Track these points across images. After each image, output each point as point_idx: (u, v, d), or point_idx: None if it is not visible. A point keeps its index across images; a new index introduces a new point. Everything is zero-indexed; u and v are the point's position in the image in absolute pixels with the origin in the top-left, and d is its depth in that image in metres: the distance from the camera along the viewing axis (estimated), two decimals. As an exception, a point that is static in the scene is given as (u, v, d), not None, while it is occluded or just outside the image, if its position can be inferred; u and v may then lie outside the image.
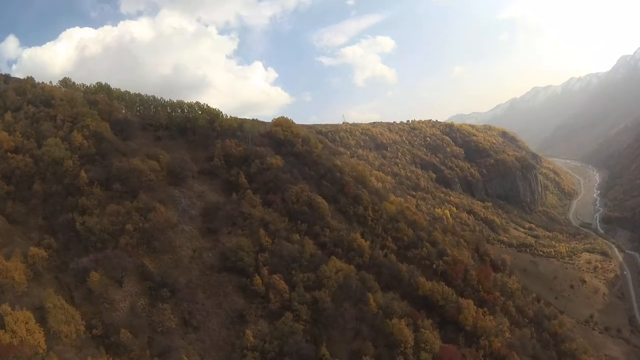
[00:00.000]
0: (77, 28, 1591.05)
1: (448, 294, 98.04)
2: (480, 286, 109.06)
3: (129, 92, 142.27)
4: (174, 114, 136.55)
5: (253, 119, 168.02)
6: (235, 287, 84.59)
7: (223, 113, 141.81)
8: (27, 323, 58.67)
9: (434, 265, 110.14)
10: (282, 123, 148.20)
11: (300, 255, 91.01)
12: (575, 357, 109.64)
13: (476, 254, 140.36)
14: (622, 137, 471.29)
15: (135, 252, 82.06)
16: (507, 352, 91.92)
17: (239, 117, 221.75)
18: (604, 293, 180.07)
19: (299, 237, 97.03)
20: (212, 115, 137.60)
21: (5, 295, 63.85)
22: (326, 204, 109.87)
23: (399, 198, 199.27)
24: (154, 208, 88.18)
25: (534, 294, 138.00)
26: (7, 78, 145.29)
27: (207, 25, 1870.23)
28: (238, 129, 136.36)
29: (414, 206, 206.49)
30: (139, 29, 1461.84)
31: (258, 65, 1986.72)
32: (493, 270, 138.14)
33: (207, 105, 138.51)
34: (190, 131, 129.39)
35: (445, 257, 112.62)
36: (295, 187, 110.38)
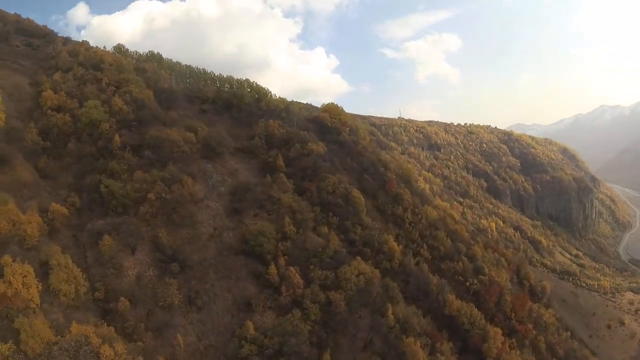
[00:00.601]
0: (146, 0, 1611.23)
1: (476, 317, 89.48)
2: (514, 314, 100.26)
3: (179, 63, 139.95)
4: (222, 88, 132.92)
5: (304, 103, 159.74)
6: (249, 272, 78.91)
7: (272, 93, 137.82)
8: (25, 277, 55.02)
9: (468, 283, 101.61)
10: (331, 109, 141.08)
11: (322, 250, 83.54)
12: None
13: (515, 277, 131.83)
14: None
15: (153, 221, 77.98)
16: None
17: (297, 100, 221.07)
18: None
19: (327, 230, 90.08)
20: (260, 94, 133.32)
21: (10, 247, 60.39)
22: (363, 199, 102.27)
23: (445, 203, 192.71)
24: (181, 180, 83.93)
25: (569, 332, 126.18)
26: (66, 40, 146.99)
27: (272, 7, 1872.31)
28: (284, 110, 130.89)
29: (459, 213, 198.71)
30: (206, 6, 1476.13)
31: (320, 51, 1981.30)
32: (531, 297, 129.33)
33: (256, 83, 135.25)
34: (236, 108, 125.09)
35: (481, 276, 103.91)
36: (333, 177, 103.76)
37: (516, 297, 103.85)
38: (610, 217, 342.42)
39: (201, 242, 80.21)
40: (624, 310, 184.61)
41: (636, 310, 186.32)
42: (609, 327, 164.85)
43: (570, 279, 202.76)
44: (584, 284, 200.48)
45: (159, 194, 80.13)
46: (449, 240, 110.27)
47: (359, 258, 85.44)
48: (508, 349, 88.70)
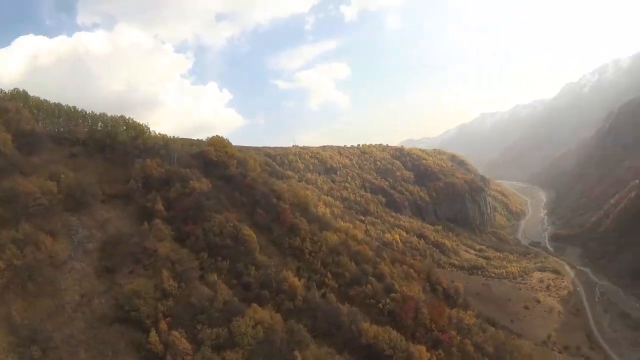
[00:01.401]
0: (31, 35, 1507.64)
1: (396, 340, 79.17)
2: (434, 325, 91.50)
3: (47, 101, 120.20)
4: (95, 127, 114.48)
5: (193, 139, 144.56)
6: (128, 344, 63.01)
7: (151, 130, 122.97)
8: None
9: (381, 305, 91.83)
10: (216, 143, 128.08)
11: (210, 304, 69.82)
12: None
13: (427, 284, 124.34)
14: (567, 158, 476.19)
15: (5, 295, 61.32)
16: None
17: (191, 137, 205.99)
18: (559, 311, 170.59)
19: (215, 278, 76.79)
20: (136, 131, 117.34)
21: None
22: (254, 235, 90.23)
23: (347, 224, 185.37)
24: (37, 240, 67.53)
25: (493, 326, 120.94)
26: None
27: (163, 43, 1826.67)
28: (163, 147, 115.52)
29: (363, 232, 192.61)
30: (94, 41, 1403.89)
31: (213, 85, 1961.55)
32: (446, 301, 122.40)
33: (132, 119, 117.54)
34: (109, 148, 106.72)
35: (393, 294, 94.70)
36: (220, 215, 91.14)
37: (433, 307, 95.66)
38: (505, 209, 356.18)
39: (66, 314, 63.62)
40: (536, 290, 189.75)
41: (547, 287, 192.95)
42: (526, 308, 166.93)
43: (480, 273, 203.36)
44: (493, 274, 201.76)
45: (10, 260, 63.11)
46: (353, 264, 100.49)
47: (254, 305, 72.41)
48: (437, 364, 79.88)
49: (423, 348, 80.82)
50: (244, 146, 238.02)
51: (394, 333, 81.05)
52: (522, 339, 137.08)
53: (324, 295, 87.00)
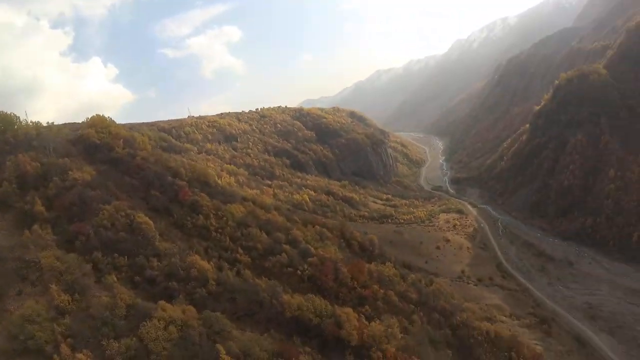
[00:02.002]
0: None
1: (321, 307, 73.61)
2: (355, 282, 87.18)
3: None
4: None
5: (72, 123, 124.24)
6: None
7: (28, 119, 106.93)
8: None
9: (299, 272, 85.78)
10: (96, 123, 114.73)
11: (111, 313, 58.68)
12: (469, 326, 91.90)
13: (342, 241, 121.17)
14: (460, 107, 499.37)
15: None
16: (405, 358, 70.65)
17: (77, 122, 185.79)
18: (468, 247, 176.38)
19: (114, 280, 66.27)
20: (4, 123, 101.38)
21: None
22: (151, 222, 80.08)
23: (254, 191, 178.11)
24: None
25: (412, 274, 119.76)
26: None
27: (38, 19, 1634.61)
28: (36, 138, 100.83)
29: (272, 196, 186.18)
30: None
31: (96, 61, 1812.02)
32: (362, 252, 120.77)
33: None
34: None
35: (310, 258, 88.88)
36: (109, 206, 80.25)
37: (352, 265, 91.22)
38: (406, 159, 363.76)
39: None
40: (444, 230, 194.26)
41: (454, 226, 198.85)
42: (438, 248, 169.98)
43: (390, 221, 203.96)
44: (402, 221, 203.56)
45: None
46: (264, 234, 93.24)
47: (162, 303, 62.56)
48: (366, 322, 75.56)
49: (349, 310, 75.83)
50: (135, 123, 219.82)
51: (318, 300, 75.52)
52: (439, 278, 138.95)
53: (238, 273, 79.27)
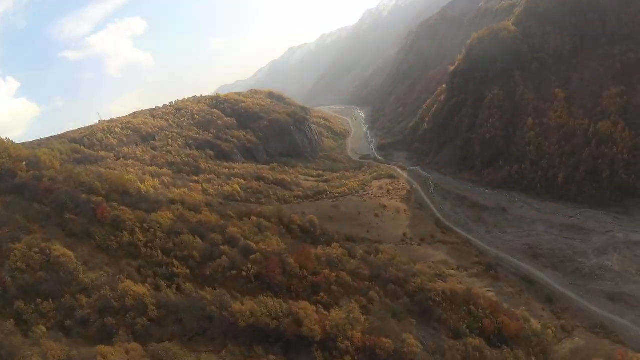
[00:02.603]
0: None
1: (275, 308, 67.76)
2: (305, 271, 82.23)
3: None
4: None
5: None
6: None
7: None
8: None
9: (244, 273, 79.26)
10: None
11: None
12: (425, 289, 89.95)
13: (282, 227, 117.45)
14: (377, 76, 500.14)
15: None
16: (373, 341, 66.19)
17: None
18: (405, 210, 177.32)
19: (43, 331, 56.89)
20: None
21: None
22: (70, 253, 70.34)
23: (181, 190, 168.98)
24: None
25: (359, 249, 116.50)
26: None
27: None
28: None
29: (201, 191, 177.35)
30: None
31: None
32: (305, 235, 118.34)
33: None
34: None
35: (252, 256, 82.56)
36: (19, 244, 69.87)
37: (298, 254, 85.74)
38: (330, 132, 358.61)
39: None
40: (379, 197, 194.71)
41: (388, 191, 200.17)
42: (376, 215, 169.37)
43: (325, 196, 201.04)
44: (337, 194, 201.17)
45: None
46: (198, 239, 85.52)
47: (100, 347, 53.30)
48: (326, 312, 70.92)
49: (306, 303, 70.62)
50: (43, 138, 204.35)
51: (270, 300, 69.75)
52: (383, 245, 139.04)
53: (179, 289, 72.12)
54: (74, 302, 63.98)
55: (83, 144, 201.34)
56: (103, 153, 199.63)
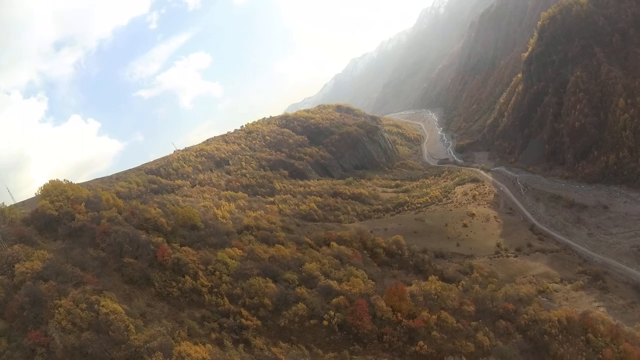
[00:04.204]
0: None
1: None
2: (399, 314, 65.43)
3: None
4: None
5: (3, 205, 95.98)
6: None
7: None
8: None
9: (325, 321, 63.69)
10: (50, 191, 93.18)
11: None
12: (538, 320, 72.59)
13: (365, 252, 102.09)
14: (444, 74, 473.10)
15: None
16: None
17: (80, 182, 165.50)
18: (495, 217, 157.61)
19: None
20: None
21: None
22: (121, 309, 58.10)
23: (257, 213, 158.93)
24: None
25: (463, 282, 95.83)
26: None
27: (9, 93, 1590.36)
28: None
29: (277, 213, 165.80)
30: None
31: (76, 119, 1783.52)
32: (391, 258, 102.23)
33: None
34: None
35: (335, 299, 66.90)
36: (65, 300, 58.99)
37: (389, 293, 68.25)
38: (403, 139, 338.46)
39: None
40: (465, 204, 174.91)
41: (474, 197, 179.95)
42: (465, 225, 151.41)
43: (407, 208, 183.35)
44: (419, 204, 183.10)
45: None
46: (270, 282, 70.64)
47: None
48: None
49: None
50: (121, 172, 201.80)
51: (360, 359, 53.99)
52: (476, 259, 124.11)
53: (247, 345, 57.97)
54: (124, 375, 50.99)
55: (159, 174, 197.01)
56: (179, 181, 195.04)
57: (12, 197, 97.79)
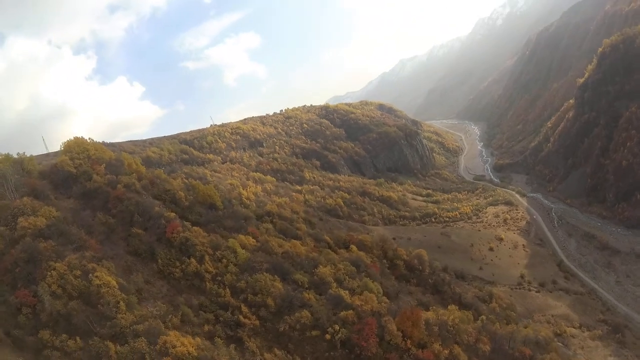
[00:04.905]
0: None
1: None
2: (409, 341, 58.37)
3: None
4: None
5: (23, 155, 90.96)
6: None
7: None
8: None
9: (328, 335, 56.98)
10: (72, 148, 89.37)
11: None
12: None
13: (385, 261, 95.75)
14: (492, 89, 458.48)
15: None
16: None
17: (113, 141, 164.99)
18: (523, 245, 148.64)
19: None
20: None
21: None
22: (115, 283, 53.25)
23: (283, 198, 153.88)
24: None
25: (484, 317, 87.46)
26: None
27: (59, 47, 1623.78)
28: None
29: (302, 203, 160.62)
30: None
31: (122, 80, 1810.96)
32: (410, 272, 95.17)
33: None
34: None
35: (343, 312, 60.14)
36: (61, 263, 54.71)
37: (403, 317, 60.90)
38: (442, 149, 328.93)
39: None
40: (494, 226, 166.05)
41: (505, 221, 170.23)
42: (491, 249, 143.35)
43: (434, 219, 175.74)
44: (447, 218, 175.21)
45: None
46: (277, 280, 64.27)
47: None
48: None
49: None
50: (156, 138, 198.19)
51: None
52: (497, 287, 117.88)
53: (240, 345, 52.53)
54: (101, 347, 46.75)
55: (193, 146, 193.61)
56: (210, 156, 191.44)
57: (46, 147, 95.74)
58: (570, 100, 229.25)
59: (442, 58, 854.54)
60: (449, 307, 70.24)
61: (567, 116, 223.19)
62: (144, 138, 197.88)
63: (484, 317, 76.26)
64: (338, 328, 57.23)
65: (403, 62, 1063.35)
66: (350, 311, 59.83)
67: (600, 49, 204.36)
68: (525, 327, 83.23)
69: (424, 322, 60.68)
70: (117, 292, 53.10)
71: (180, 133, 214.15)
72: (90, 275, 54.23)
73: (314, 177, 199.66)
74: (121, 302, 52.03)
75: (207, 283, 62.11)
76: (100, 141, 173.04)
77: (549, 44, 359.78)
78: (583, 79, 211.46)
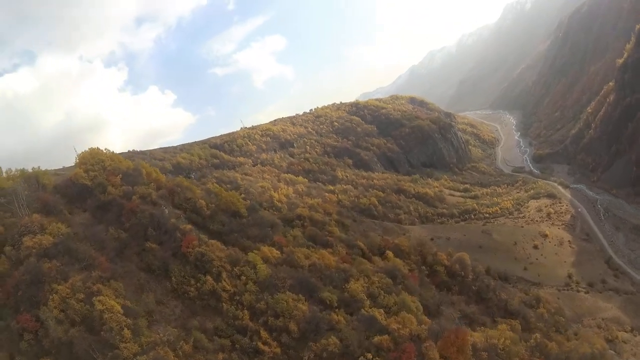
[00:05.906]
0: None
1: None
2: None
3: None
4: None
5: (38, 170, 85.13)
6: None
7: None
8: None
9: None
10: (87, 159, 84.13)
11: None
12: None
13: (424, 267, 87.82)
14: (525, 75, 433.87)
15: None
16: None
17: (144, 149, 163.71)
18: (569, 241, 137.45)
19: None
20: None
21: None
22: (119, 307, 47.22)
23: (315, 200, 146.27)
24: None
25: (538, 336, 78.80)
26: None
27: (91, 62, 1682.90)
28: (10, 191, 69.87)
29: (335, 203, 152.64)
30: (20, 82, 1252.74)
31: (153, 90, 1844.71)
32: (451, 279, 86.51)
33: None
34: None
35: (377, 337, 51.84)
36: (63, 285, 49.07)
37: (447, 341, 51.97)
38: (477, 140, 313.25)
39: None
40: (537, 221, 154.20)
41: (548, 215, 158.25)
42: (535, 247, 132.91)
43: (473, 216, 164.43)
44: (487, 215, 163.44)
45: None
46: (301, 300, 56.57)
47: None
48: None
49: None
50: (187, 143, 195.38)
51: None
52: (543, 289, 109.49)
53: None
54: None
55: (223, 150, 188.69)
56: (241, 159, 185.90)
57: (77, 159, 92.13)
58: (610, 83, 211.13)
59: (472, 46, 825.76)
60: (498, 326, 60.64)
61: (607, 100, 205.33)
62: (177, 144, 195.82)
63: (537, 335, 65.97)
64: (371, 357, 49.11)
65: (432, 54, 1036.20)
66: (386, 336, 51.59)
67: (638, 26, 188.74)
68: (576, 336, 73.92)
69: (470, 347, 51.43)
70: (122, 318, 47.26)
71: (211, 138, 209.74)
72: (94, 298, 48.03)
73: (346, 176, 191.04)
74: (125, 329, 45.84)
75: (224, 304, 55.30)
76: (131, 150, 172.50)
77: (582, 25, 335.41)
78: (622, 60, 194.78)
